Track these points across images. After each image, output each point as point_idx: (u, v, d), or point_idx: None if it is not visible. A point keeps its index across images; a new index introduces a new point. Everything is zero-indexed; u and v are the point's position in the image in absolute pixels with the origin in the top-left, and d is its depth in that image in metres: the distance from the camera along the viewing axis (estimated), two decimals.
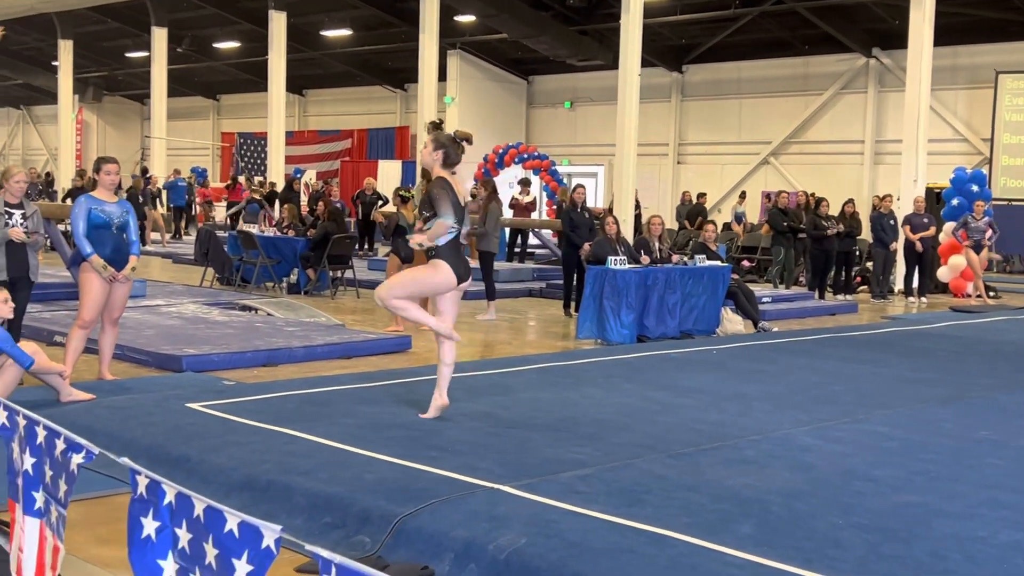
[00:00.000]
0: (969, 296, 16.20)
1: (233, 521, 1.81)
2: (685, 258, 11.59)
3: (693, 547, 4.00)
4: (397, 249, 10.80)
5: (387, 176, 26.90)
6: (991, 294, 16.34)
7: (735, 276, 11.97)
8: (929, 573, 3.85)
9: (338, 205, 16.82)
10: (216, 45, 32.04)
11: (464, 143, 6.21)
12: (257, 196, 20.88)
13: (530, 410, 6.58)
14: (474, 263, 16.58)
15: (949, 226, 16.60)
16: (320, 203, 14.96)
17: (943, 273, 16.68)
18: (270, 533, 1.72)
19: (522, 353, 9.58)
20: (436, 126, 6.33)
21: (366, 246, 20.06)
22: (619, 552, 3.91)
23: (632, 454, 5.49)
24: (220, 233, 16.54)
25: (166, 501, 2.02)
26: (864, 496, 4.82)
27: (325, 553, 1.57)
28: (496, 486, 4.72)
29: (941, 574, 3.84)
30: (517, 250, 19.59)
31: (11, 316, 6.57)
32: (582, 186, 12.92)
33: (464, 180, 20.58)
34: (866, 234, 17.27)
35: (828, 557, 3.95)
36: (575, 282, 12.24)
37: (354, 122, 32.68)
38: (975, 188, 16.88)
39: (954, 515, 4.58)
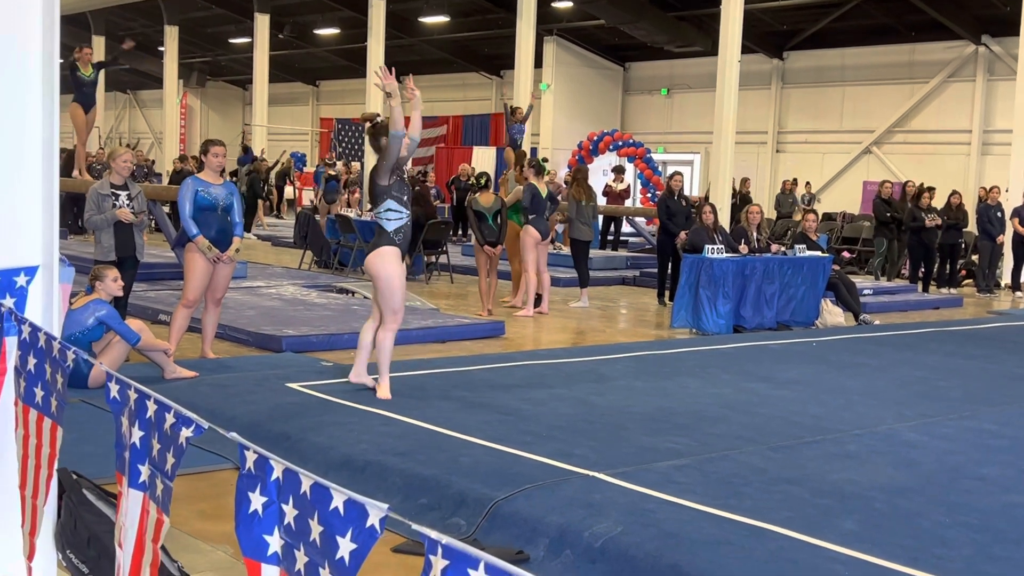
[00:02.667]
0: None
1: (339, 499, 1.81)
2: (784, 248, 11.37)
3: (794, 541, 3.92)
4: (480, 234, 10.79)
5: (482, 162, 26.97)
6: None
7: (836, 267, 11.71)
8: None
9: (434, 191, 16.91)
10: (316, 31, 32.49)
11: (367, 123, 6.23)
12: (333, 173, 21.15)
13: (625, 398, 6.53)
14: (566, 250, 16.58)
15: None
16: (416, 188, 15.05)
17: None
18: (376, 512, 1.72)
19: (615, 341, 9.52)
20: (370, 120, 6.32)
21: (460, 231, 20.16)
22: (717, 544, 3.85)
23: (730, 445, 5.40)
24: (318, 217, 16.79)
25: (273, 476, 2.03)
26: (972, 495, 4.67)
27: (432, 533, 1.56)
28: (591, 473, 4.69)
29: None
30: (611, 238, 19.48)
31: (120, 294, 6.75)
32: (679, 173, 12.77)
33: (560, 167, 20.44)
34: (972, 226, 16.74)
35: (935, 556, 3.83)
36: (670, 271, 12.12)
37: (450, 108, 32.82)
38: None
39: None
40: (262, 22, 27.09)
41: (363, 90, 24.53)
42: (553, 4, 25.01)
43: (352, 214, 15.75)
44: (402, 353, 8.10)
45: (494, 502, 4.26)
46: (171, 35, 29.53)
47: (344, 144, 27.15)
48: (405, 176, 6.28)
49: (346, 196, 20.39)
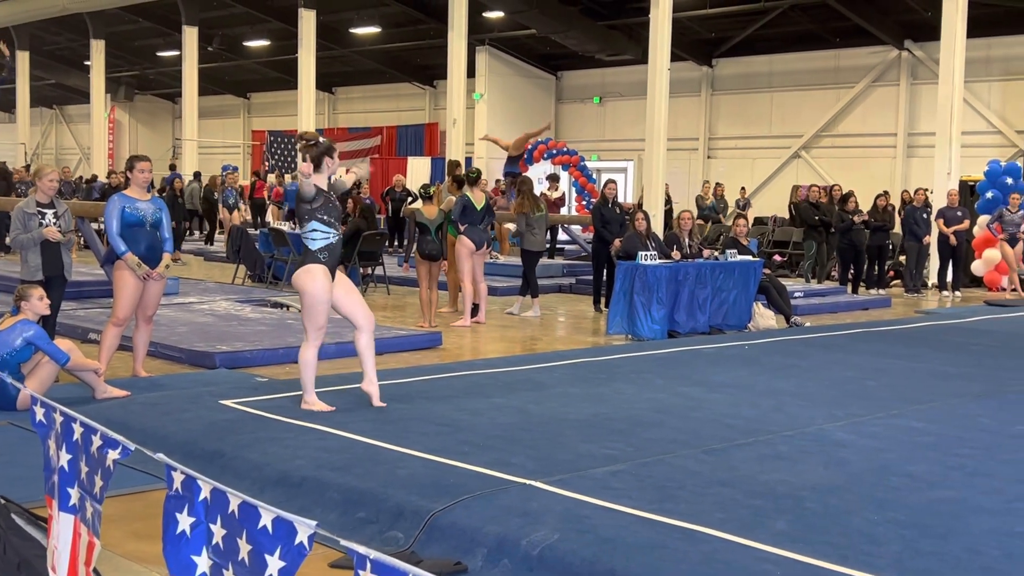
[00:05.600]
0: (1004, 290, 16.02)
1: (267, 517, 1.81)
2: (716, 253, 11.52)
3: (727, 543, 3.97)
4: (421, 247, 10.79)
5: (416, 173, 26.96)
6: None
7: (767, 271, 11.90)
8: (967, 570, 3.80)
9: (368, 202, 16.87)
10: (246, 43, 32.22)
11: (304, 142, 6.26)
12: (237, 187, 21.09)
13: (561, 406, 6.57)
14: (503, 259, 16.58)
15: (983, 219, 16.42)
16: (350, 200, 14.99)
17: (977, 267, 16.51)
18: (304, 529, 1.72)
19: (552, 349, 9.57)
20: (307, 139, 6.32)
21: (396, 243, 20.11)
22: (652, 548, 3.89)
23: (665, 450, 5.46)
24: (251, 231, 16.64)
25: (201, 497, 2.02)
26: (900, 492, 4.77)
27: (360, 548, 1.57)
28: (528, 482, 4.72)
29: (979, 570, 3.80)
30: (547, 246, 19.57)
31: (47, 313, 6.64)
32: (613, 181, 12.88)
33: (493, 176, 20.38)
34: (899, 228, 17.11)
35: (864, 553, 3.91)
36: (605, 278, 12.22)
37: (383, 119, 32.76)
38: (1010, 181, 16.68)
39: (991, 511, 4.52)
40: (190, 35, 26.77)
41: (295, 102, 24.35)
42: (484, 14, 25.09)
43: (287, 227, 15.63)
44: (338, 366, 8.07)
45: (431, 514, 4.27)
46: (97, 49, 29.06)
47: (277, 156, 26.94)
48: (334, 197, 6.27)
49: (246, 207, 20.47)
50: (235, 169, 24.46)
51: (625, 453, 5.35)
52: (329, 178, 6.37)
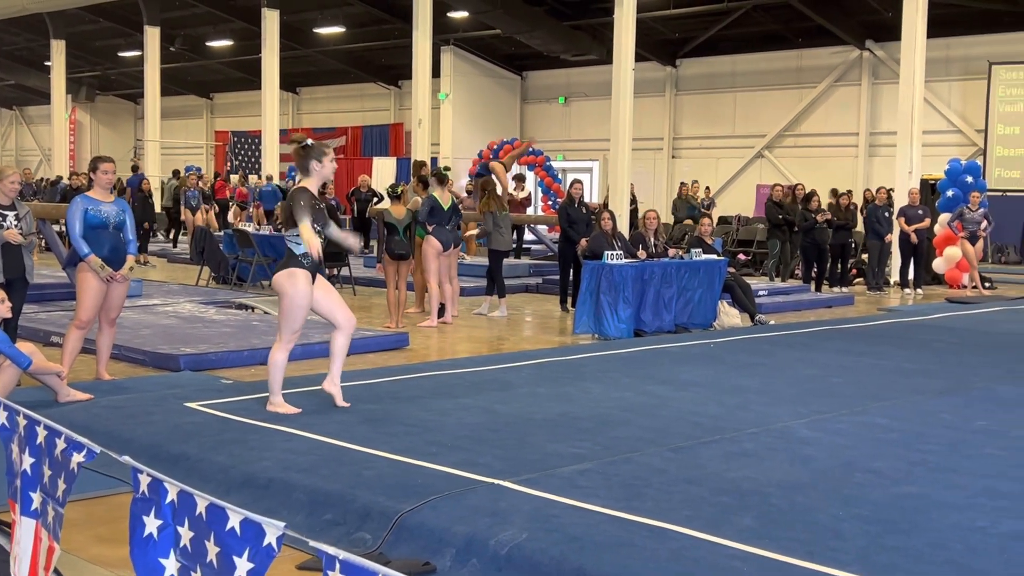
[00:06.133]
0: (965, 287, 16.22)
1: (235, 519, 1.80)
2: (681, 252, 11.58)
3: (694, 540, 4.00)
4: (390, 248, 10.77)
5: (382, 173, 26.89)
6: (986, 285, 16.36)
7: (732, 270, 11.98)
8: (930, 563, 3.85)
9: (333, 203, 16.80)
10: (209, 44, 31.99)
11: (295, 145, 6.23)
12: (202, 187, 20.93)
13: (529, 405, 6.58)
14: (470, 259, 16.57)
15: (944, 217, 16.61)
16: None
17: (938, 264, 16.69)
18: (272, 530, 1.71)
19: (520, 349, 9.58)
20: (299, 143, 6.28)
21: (362, 244, 20.03)
22: (620, 546, 3.91)
23: (632, 448, 5.48)
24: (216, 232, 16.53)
25: (168, 499, 2.01)
26: (864, 488, 4.82)
27: (330, 549, 1.56)
28: (496, 481, 4.72)
29: (942, 564, 3.84)
30: (513, 246, 19.57)
31: (8, 316, 6.56)
32: (579, 181, 12.91)
33: (459, 177, 20.43)
34: (862, 226, 17.28)
35: (830, 549, 3.95)
36: (572, 277, 12.24)
37: (348, 119, 32.66)
38: (970, 179, 16.90)
39: (954, 505, 4.58)
40: (152, 35, 26.56)
41: (258, 102, 24.22)
42: (449, 14, 25.07)
43: (251, 228, 15.54)
44: (305, 368, 8.03)
45: (399, 515, 4.26)
46: (58, 49, 28.75)
47: (240, 157, 26.78)
48: (321, 205, 6.25)
49: (210, 208, 20.34)
50: (199, 170, 24.28)
51: (592, 452, 5.37)
52: (325, 186, 6.33)
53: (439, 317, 11.07)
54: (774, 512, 4.40)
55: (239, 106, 35.15)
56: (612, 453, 5.35)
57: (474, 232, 13.12)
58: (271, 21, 23.23)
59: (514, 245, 19.52)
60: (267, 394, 6.27)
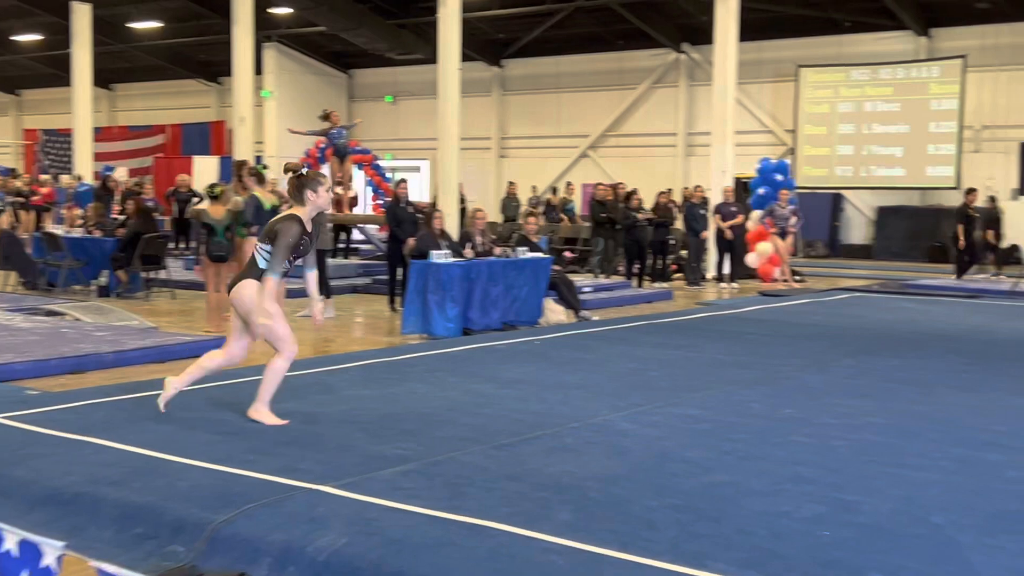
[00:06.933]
0: (776, 280, 16.97)
1: (12, 540, 1.71)
2: (508, 250, 11.70)
3: (513, 536, 4.04)
4: (209, 249, 10.48)
5: (203, 172, 26.10)
6: (797, 278, 17.17)
7: (556, 267, 12.18)
8: (738, 550, 4.00)
9: (151, 203, 16.23)
10: (15, 38, 30.37)
11: (290, 174, 6.13)
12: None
13: (352, 408, 6.51)
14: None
15: (756, 214, 17.35)
16: (130, 201, 14.40)
17: (751, 259, 17.42)
18: (52, 550, 1.64)
19: (346, 351, 9.47)
20: (294, 170, 6.18)
21: (184, 245, 19.42)
22: (440, 546, 3.91)
23: (454, 447, 5.50)
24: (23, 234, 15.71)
25: None
26: (677, 478, 4.98)
27: (110, 567, 1.50)
28: (316, 487, 4.65)
29: (749, 550, 4.00)
30: (341, 246, 19.37)
31: None
32: (404, 180, 12.89)
33: (280, 178, 19.97)
34: (681, 223, 17.85)
35: (642, 539, 4.05)
36: (400, 277, 12.19)
37: (167, 117, 31.61)
38: (780, 177, 17.70)
39: (761, 492, 4.78)
40: None
41: (68, 99, 23.16)
42: (271, 10, 24.58)
43: (60, 231, 14.85)
44: (118, 375, 7.74)
45: (213, 525, 4.14)
46: None
47: (51, 156, 25.55)
48: (309, 241, 6.06)
49: (11, 212, 19.42)
50: (9, 171, 23.06)
51: (415, 453, 5.35)
52: (141, 186, 6.13)
53: None
54: (591, 505, 4.49)
55: (50, 103, 33.50)
56: (435, 453, 5.35)
57: None
58: (81, 15, 22.26)
59: (342, 245, 19.32)
60: (74, 404, 6.00)
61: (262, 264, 5.94)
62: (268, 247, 5.91)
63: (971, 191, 17.42)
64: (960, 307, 13.40)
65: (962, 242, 16.86)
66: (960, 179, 21.60)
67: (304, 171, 6.14)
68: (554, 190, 22.38)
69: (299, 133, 18.63)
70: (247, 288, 5.94)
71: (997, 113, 21.87)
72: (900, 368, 8.47)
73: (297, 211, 5.97)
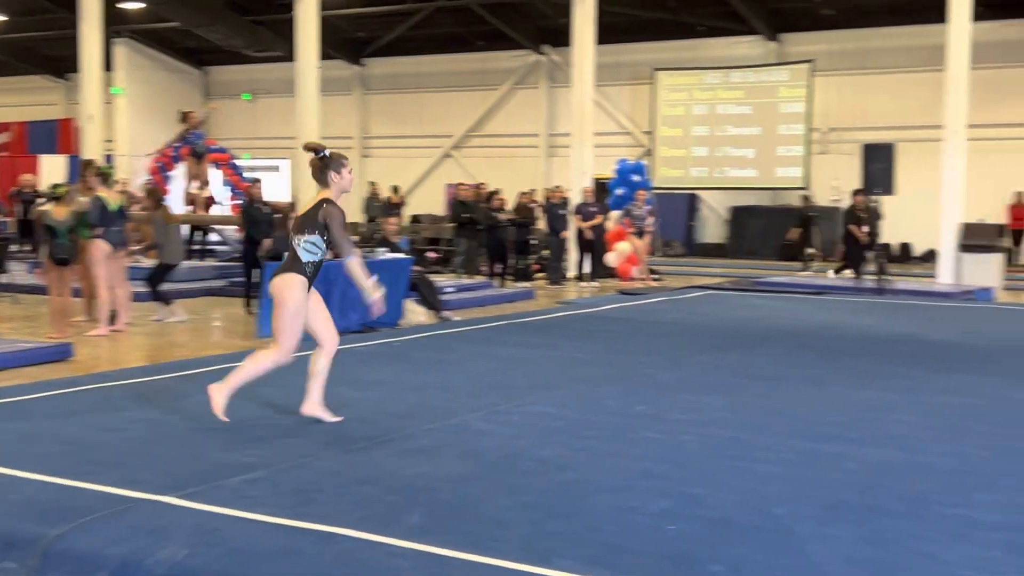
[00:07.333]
0: (635, 279, 17.30)
1: None
2: (367, 251, 11.58)
3: (361, 541, 3.98)
4: (51, 252, 10.06)
5: (50, 172, 25.07)
6: (654, 277, 17.54)
7: (417, 268, 12.12)
8: (587, 546, 4.03)
9: None
10: None
11: (312, 154, 5.95)
12: None
13: (200, 415, 6.32)
14: (147, 262, 15.81)
15: (615, 214, 17.65)
16: None
17: (611, 258, 17.71)
18: None
19: (198, 355, 9.22)
20: (315, 150, 5.97)
21: (29, 247, 18.62)
22: (285, 554, 3.83)
23: (307, 453, 5.40)
24: None
25: None
26: (530, 476, 5.00)
27: None
28: (158, 497, 4.50)
29: (597, 546, 4.04)
30: (197, 248, 18.87)
31: None
32: (258, 180, 12.64)
33: (138, 175, 19.27)
34: (543, 223, 18.03)
35: (493, 539, 4.05)
36: (256, 279, 11.94)
37: (12, 114, 30.25)
38: (637, 178, 18.05)
39: (612, 488, 4.84)
40: None
41: None
42: (121, 5, 23.79)
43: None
44: (25, 375, 7.38)
45: (47, 540, 3.96)
46: None
47: None
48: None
49: None
50: None
51: (264, 460, 5.23)
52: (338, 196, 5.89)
53: (110, 325, 10.47)
54: (442, 507, 4.47)
55: None
56: (285, 460, 5.25)
57: (140, 247, 12.51)
58: None
59: (197, 247, 18.82)
60: None
61: (305, 257, 5.91)
62: (311, 237, 5.87)
63: (858, 192, 17.86)
64: (808, 304, 13.90)
65: (864, 239, 16.76)
66: (809, 179, 22.42)
67: (327, 152, 5.97)
68: (395, 188, 22.28)
69: (158, 152, 18.07)
70: (288, 282, 5.90)
71: (843, 116, 22.78)
72: (750, 364, 8.72)
73: (324, 194, 5.90)
